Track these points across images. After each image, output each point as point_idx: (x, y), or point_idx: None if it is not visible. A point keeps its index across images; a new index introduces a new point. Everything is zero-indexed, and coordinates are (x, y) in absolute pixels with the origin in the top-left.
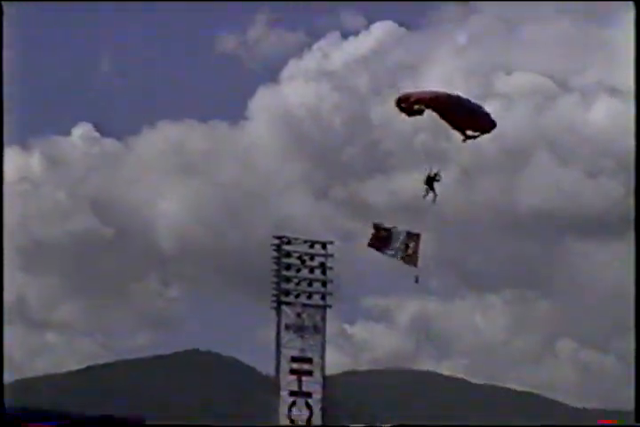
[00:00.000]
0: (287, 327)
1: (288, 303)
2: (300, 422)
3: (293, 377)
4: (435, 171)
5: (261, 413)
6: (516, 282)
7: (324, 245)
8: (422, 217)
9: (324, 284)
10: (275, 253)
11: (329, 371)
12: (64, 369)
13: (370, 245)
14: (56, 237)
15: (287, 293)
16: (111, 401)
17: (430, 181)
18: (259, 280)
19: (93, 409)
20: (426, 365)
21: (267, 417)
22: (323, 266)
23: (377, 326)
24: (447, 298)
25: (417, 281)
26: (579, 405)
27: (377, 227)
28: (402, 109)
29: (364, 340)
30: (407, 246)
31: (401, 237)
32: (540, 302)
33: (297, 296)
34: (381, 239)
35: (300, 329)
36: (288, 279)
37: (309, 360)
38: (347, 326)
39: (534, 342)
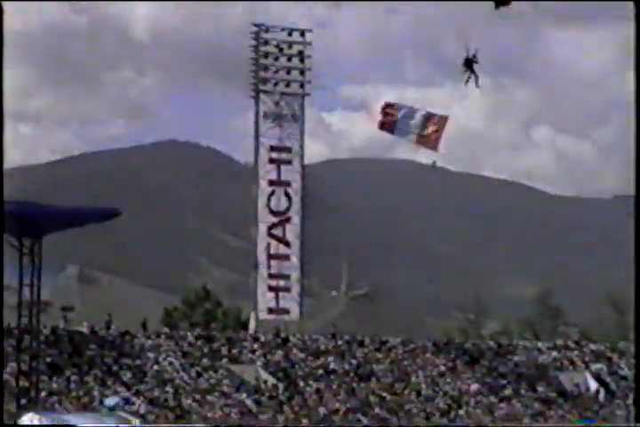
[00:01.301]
0: (265, 116)
1: (266, 92)
2: (279, 211)
3: (272, 166)
4: (472, 52)
5: (240, 202)
6: (493, 70)
7: (302, 33)
8: None
9: (302, 72)
10: (252, 42)
11: (308, 160)
12: (39, 160)
13: (381, 126)
14: (30, 27)
15: (265, 81)
16: (87, 192)
17: (469, 63)
18: (235, 69)
19: (68, 201)
20: (403, 154)
21: (245, 207)
22: (301, 54)
23: (355, 115)
24: (424, 86)
25: (434, 167)
26: (556, 192)
27: (388, 106)
28: None
29: (341, 129)
30: (425, 127)
31: (418, 116)
32: (517, 89)
33: (275, 84)
34: (392, 121)
35: (278, 118)
36: (266, 68)
37: (288, 149)
38: (325, 115)
39: (512, 129)
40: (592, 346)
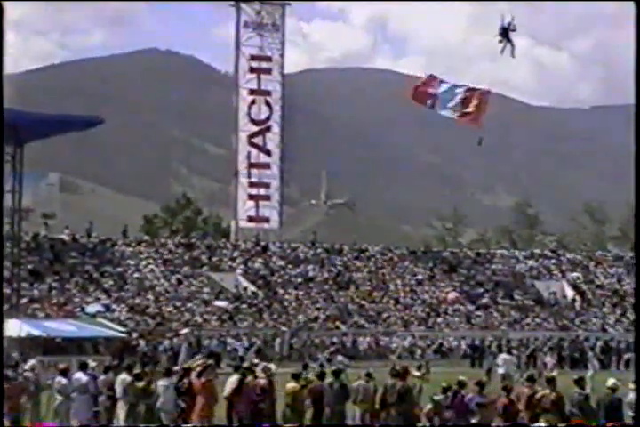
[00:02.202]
0: (246, 25)
1: (247, 1)
2: (260, 120)
3: (252, 75)
4: (508, 20)
5: (220, 111)
6: None
7: None
8: None
9: None
10: None
11: (288, 69)
12: (20, 69)
13: (414, 97)
14: None
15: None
16: (69, 101)
17: (506, 32)
18: None
19: (51, 109)
20: (383, 64)
21: (226, 116)
22: None
23: (334, 24)
24: None
25: (480, 143)
26: (534, 103)
27: (432, 78)
28: None
29: (321, 39)
30: (468, 104)
31: (459, 91)
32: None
33: None
34: (432, 94)
35: (259, 27)
36: None
37: (268, 59)
38: (304, 25)
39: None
40: (569, 255)
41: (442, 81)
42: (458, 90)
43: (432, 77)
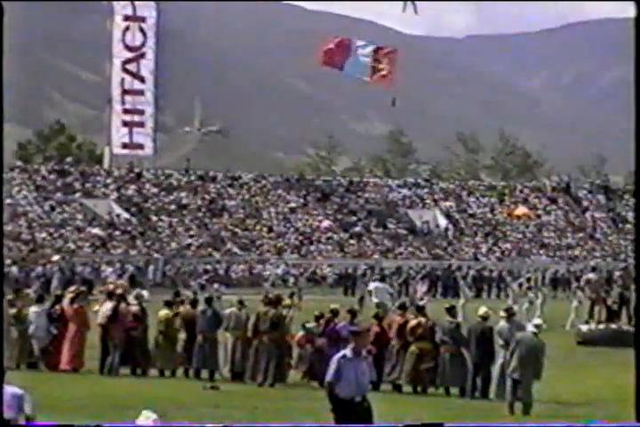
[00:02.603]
0: None
1: None
2: (134, 46)
3: (127, 2)
4: None
5: (94, 37)
6: None
7: None
8: None
9: None
10: None
11: None
12: None
13: (324, 61)
14: None
15: None
16: None
17: None
18: None
19: None
20: None
21: (100, 42)
22: None
23: None
24: None
25: (394, 104)
26: (408, 31)
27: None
28: None
29: None
30: (376, 62)
31: (367, 52)
32: None
33: None
34: (339, 53)
35: None
36: None
37: None
38: None
39: None
40: (442, 184)
41: (349, 43)
42: (366, 50)
43: (340, 40)
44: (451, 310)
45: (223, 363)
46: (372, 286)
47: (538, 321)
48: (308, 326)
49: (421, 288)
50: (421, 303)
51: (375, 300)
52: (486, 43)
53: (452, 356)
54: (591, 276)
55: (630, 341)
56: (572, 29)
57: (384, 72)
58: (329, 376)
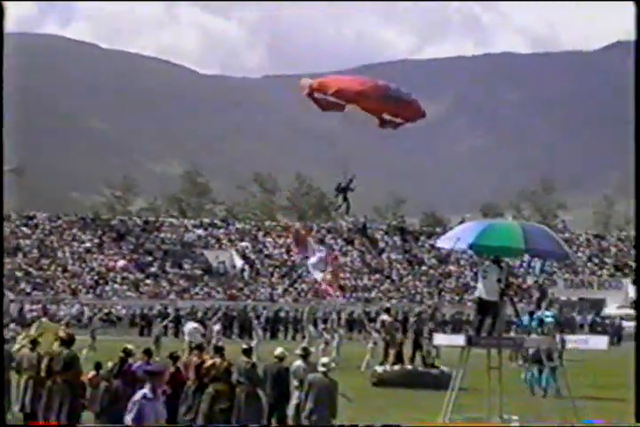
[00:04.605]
0: None
1: None
2: None
3: None
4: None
5: None
6: None
7: None
8: None
9: None
10: None
11: None
12: None
13: None
14: None
15: None
16: None
17: (344, 190)
18: None
19: None
20: (50, 29)
21: None
22: None
23: None
24: None
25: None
26: (204, 71)
27: None
28: (315, 101)
29: None
30: None
31: None
32: None
33: None
34: None
35: None
36: None
37: None
38: None
39: (155, 7)
40: (238, 224)
41: None
42: None
43: None
44: (246, 351)
45: (15, 402)
46: (187, 325)
47: (325, 360)
48: (103, 366)
49: (217, 328)
50: (219, 344)
51: (188, 339)
52: (283, 82)
53: (248, 396)
54: (385, 317)
55: (424, 382)
56: (368, 69)
57: None
58: (129, 418)
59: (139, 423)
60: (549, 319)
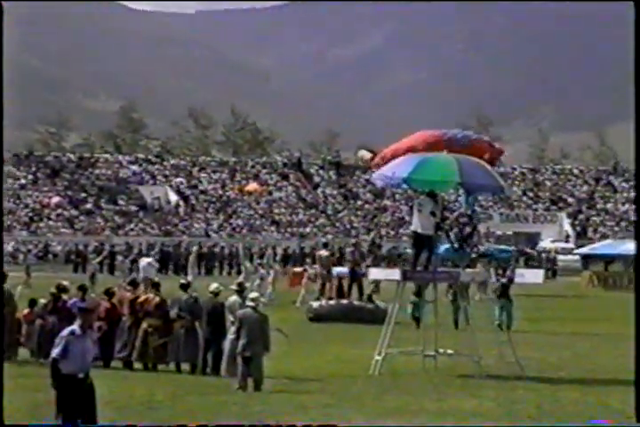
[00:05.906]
0: None
1: None
2: None
3: None
4: None
5: None
6: None
7: None
8: None
9: None
10: None
11: None
12: None
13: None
14: None
15: None
16: None
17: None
18: None
19: None
20: None
21: None
22: None
23: None
24: None
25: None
26: (136, 6)
27: None
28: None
29: None
30: None
31: None
32: None
33: None
34: None
35: None
36: None
37: None
38: None
39: None
40: (173, 160)
41: None
42: None
43: None
44: (184, 286)
45: None
46: (142, 261)
47: (254, 294)
48: (41, 301)
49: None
50: (155, 280)
51: (142, 275)
52: (216, 18)
53: (187, 331)
54: (322, 252)
55: (360, 316)
56: (299, 7)
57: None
58: (55, 353)
59: (63, 359)
60: (505, 254)
